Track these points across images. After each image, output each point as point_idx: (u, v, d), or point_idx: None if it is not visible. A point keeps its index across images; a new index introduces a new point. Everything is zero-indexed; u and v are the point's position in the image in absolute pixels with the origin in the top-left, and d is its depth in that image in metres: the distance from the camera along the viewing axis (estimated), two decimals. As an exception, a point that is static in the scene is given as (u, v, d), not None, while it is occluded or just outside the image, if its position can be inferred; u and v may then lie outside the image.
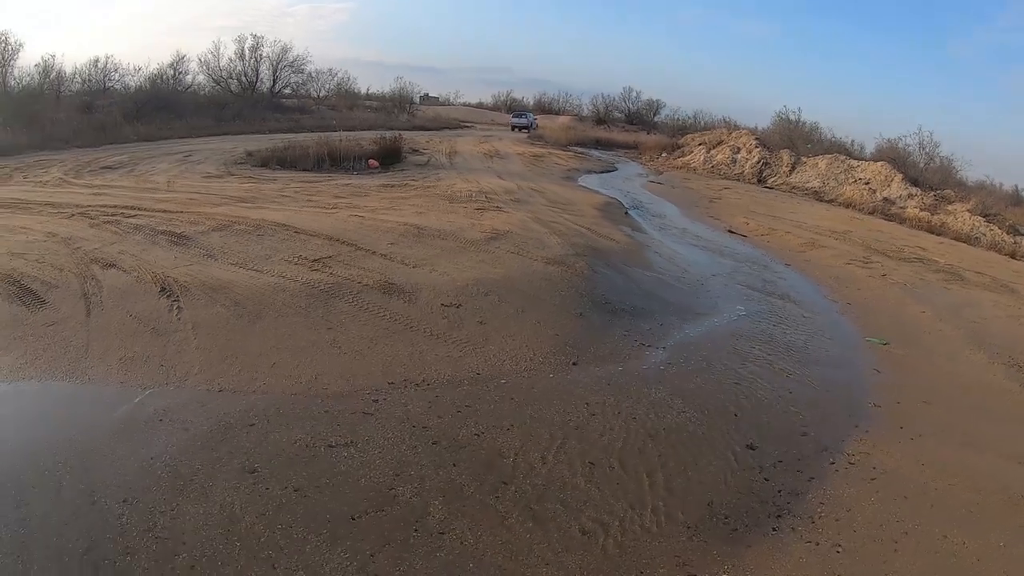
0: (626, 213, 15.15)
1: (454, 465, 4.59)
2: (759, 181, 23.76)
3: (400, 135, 21.55)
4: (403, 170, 18.25)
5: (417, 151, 22.16)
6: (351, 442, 4.76)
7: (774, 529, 4.30)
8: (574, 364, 6.52)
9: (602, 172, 24.31)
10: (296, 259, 8.66)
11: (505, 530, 4.01)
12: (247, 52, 33.22)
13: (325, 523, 3.93)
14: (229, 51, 35.64)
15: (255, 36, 35.15)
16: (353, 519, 3.97)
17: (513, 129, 38.27)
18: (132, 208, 11.55)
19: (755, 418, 5.84)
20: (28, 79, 25.30)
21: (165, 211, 11.34)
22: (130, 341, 6.35)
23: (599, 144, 33.91)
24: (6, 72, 24.82)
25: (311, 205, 12.39)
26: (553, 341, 6.92)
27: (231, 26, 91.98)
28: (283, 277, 7.95)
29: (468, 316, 7.28)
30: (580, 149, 30.77)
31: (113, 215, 10.93)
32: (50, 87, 25.85)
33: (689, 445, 5.22)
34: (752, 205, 18.86)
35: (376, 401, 5.42)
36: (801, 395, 6.40)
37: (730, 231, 14.77)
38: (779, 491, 4.74)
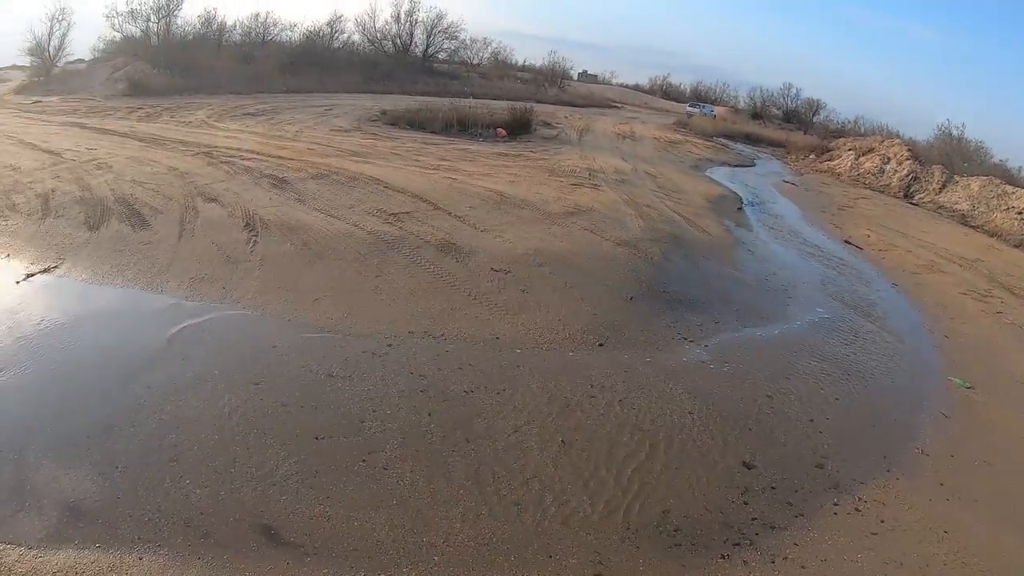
0: (739, 208, 16.63)
1: (429, 414, 5.74)
2: (905, 196, 26.41)
3: (531, 107, 24.13)
4: (528, 141, 20.83)
5: (549, 124, 24.84)
6: (349, 376, 6.18)
7: (722, 556, 4.65)
8: (600, 345, 7.45)
9: (737, 166, 26.64)
10: (375, 211, 10.70)
11: (444, 481, 4.99)
12: (402, 16, 40.32)
13: (293, 437, 5.28)
14: (385, 13, 43.63)
15: (411, 1, 40.94)
16: (317, 439, 5.29)
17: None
18: (252, 152, 14.94)
19: (769, 436, 6.20)
20: (191, 28, 33.41)
21: (279, 157, 14.49)
22: (205, 264, 8.66)
23: (748, 139, 37.73)
24: (170, 21, 32.96)
25: (414, 164, 14.71)
26: (588, 320, 7.93)
27: None
28: (355, 226, 9.92)
29: (512, 283, 8.59)
30: (724, 141, 33.96)
31: (231, 157, 14.27)
32: (212, 37, 33.39)
33: (678, 448, 5.78)
34: (884, 218, 19.94)
35: (390, 346, 6.85)
36: (837, 423, 6.70)
37: (846, 241, 15.96)
38: (753, 519, 5.06)
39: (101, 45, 33.25)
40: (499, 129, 21.25)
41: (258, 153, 14.76)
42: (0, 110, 25.17)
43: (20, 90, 30.46)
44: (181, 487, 4.77)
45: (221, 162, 13.64)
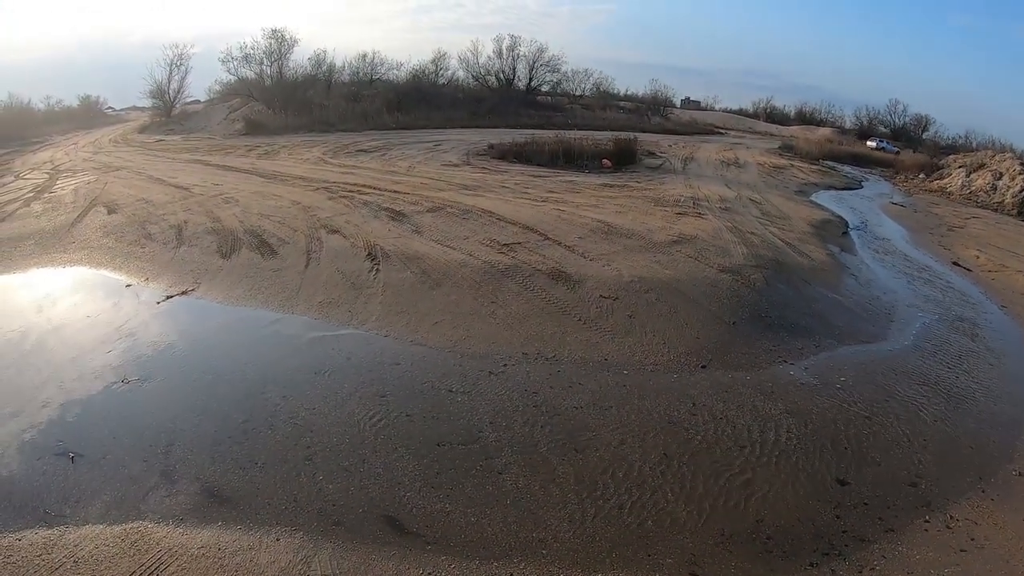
0: (844, 233, 17.38)
1: (541, 426, 6.59)
2: (1019, 213, 26.74)
3: (635, 137, 25.58)
4: (633, 171, 22.12)
5: (654, 154, 26.30)
6: (468, 391, 7.15)
7: (811, 564, 5.17)
8: (702, 367, 8.14)
9: (843, 189, 27.56)
10: (488, 241, 11.85)
11: (554, 485, 5.78)
12: (504, 51, 44.70)
13: (416, 442, 6.25)
14: (487, 50, 47.00)
15: (512, 36, 45.98)
16: (439, 445, 6.23)
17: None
18: (368, 187, 16.76)
19: (865, 455, 6.69)
20: (301, 69, 37.89)
21: (395, 192, 16.14)
22: (332, 290, 10.06)
23: (855, 159, 38.84)
24: (282, 63, 37.56)
25: (523, 197, 15.94)
26: (692, 343, 8.67)
27: (494, 24, 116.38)
28: (470, 255, 11.04)
29: (620, 309, 9.43)
30: (830, 163, 35.18)
31: (350, 191, 16.12)
32: (322, 77, 37.65)
33: (774, 464, 6.37)
34: (994, 238, 20.15)
35: (505, 366, 7.78)
36: (934, 445, 7.13)
37: (955, 263, 16.34)
38: (843, 531, 5.54)
39: (217, 87, 37.86)
40: (604, 160, 22.60)
41: (374, 188, 16.49)
42: (126, 147, 29.32)
43: (143, 129, 35.14)
44: (315, 481, 5.79)
45: (341, 196, 15.42)
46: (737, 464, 6.30)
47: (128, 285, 11.01)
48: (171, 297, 10.38)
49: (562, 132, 26.98)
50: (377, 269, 10.70)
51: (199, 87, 41.36)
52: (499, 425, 6.62)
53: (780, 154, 34.61)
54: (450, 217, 13.49)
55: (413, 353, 8.12)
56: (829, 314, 10.50)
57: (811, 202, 21.78)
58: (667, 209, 15.75)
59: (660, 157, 26.03)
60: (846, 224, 18.35)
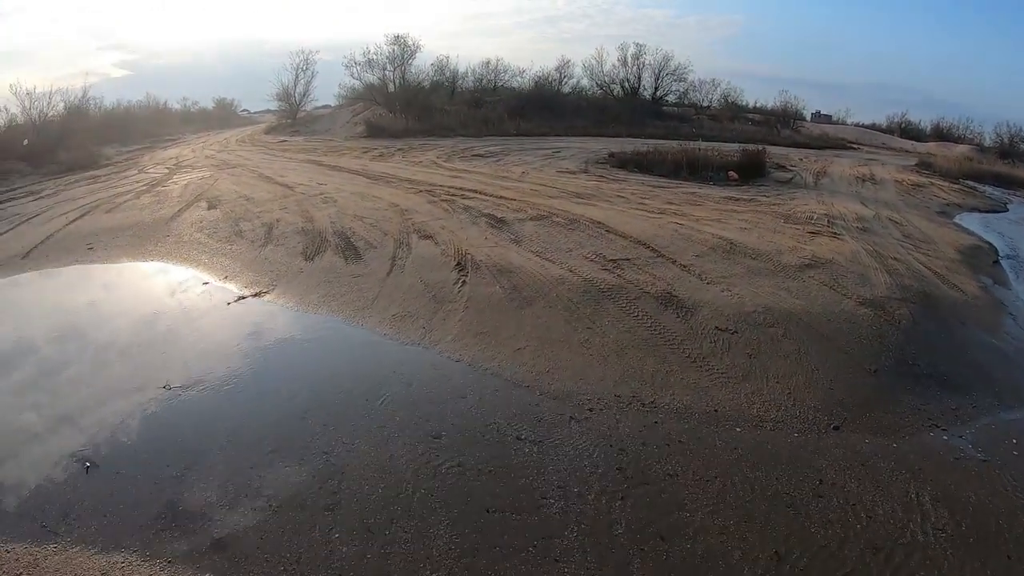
0: (995, 262, 15.25)
1: (622, 499, 5.22)
2: None
3: (764, 149, 24.37)
4: (761, 185, 20.40)
5: (784, 167, 24.45)
6: (540, 441, 5.91)
7: None
8: (835, 429, 6.56)
9: (987, 211, 24.54)
10: (593, 256, 10.63)
11: None
12: (629, 59, 44.34)
13: (462, 504, 5.10)
14: (612, 58, 46.71)
15: (637, 44, 44.95)
16: (488, 511, 5.04)
17: None
18: (474, 191, 15.99)
19: None
20: (423, 75, 38.78)
21: (501, 198, 15.25)
22: (410, 302, 9.21)
23: (997, 179, 35.25)
24: (405, 68, 38.50)
25: (639, 208, 14.54)
26: (823, 396, 7.07)
27: (620, 35, 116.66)
28: (570, 271, 9.88)
29: (739, 346, 7.95)
30: (971, 183, 31.91)
31: (453, 195, 15.40)
32: (445, 83, 38.36)
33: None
34: None
35: (591, 410, 6.50)
36: None
37: None
38: None
39: (342, 92, 39.38)
40: (731, 172, 21.59)
41: (480, 193, 15.70)
42: (250, 147, 30.43)
43: (269, 130, 36.70)
44: (329, 539, 4.81)
45: (442, 200, 14.72)
46: (874, 571, 4.76)
47: (205, 283, 10.78)
48: (243, 299, 9.98)
49: (688, 142, 25.98)
50: (464, 281, 9.76)
51: (327, 92, 43.09)
52: (569, 492, 5.33)
53: (918, 171, 32.31)
54: (555, 227, 12.39)
55: (485, 385, 7.04)
56: (988, 364, 8.73)
57: (955, 225, 19.60)
58: (798, 227, 13.99)
59: (790, 171, 24.34)
60: (996, 251, 16.13)
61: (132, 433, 6.37)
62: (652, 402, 6.76)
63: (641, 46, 44.53)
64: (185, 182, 20.15)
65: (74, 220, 15.92)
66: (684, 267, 10.36)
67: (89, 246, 13.38)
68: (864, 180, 25.48)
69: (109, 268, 12.15)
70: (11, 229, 15.70)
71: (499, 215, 13.23)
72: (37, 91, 31.52)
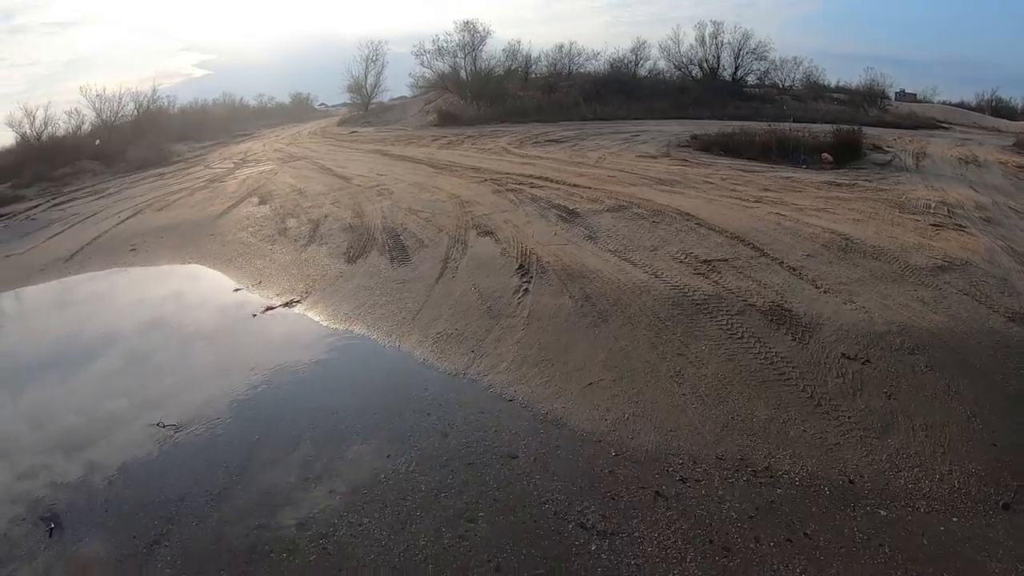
0: None
1: None
2: None
3: (859, 129, 22.54)
4: (859, 168, 18.27)
5: (880, 148, 22.20)
6: (612, 532, 4.18)
7: None
8: (1004, 507, 4.59)
9: None
10: (683, 256, 8.75)
11: None
12: (707, 39, 41.83)
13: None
14: (689, 38, 44.51)
15: (715, 23, 42.12)
16: None
17: None
18: (545, 179, 14.28)
19: None
20: (495, 61, 37.16)
21: (575, 185, 13.48)
22: (459, 316, 7.62)
23: None
24: (476, 54, 36.77)
25: (731, 196, 12.48)
26: (985, 456, 5.09)
27: (694, 16, 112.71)
28: (656, 276, 8.07)
29: (873, 381, 5.98)
30: None
31: (521, 184, 13.72)
32: (519, 69, 36.74)
33: None
34: None
35: (684, 480, 4.71)
36: None
37: None
38: None
39: (413, 82, 38.36)
40: (825, 154, 19.44)
41: (552, 180, 13.99)
42: (320, 139, 29.62)
43: (342, 123, 35.96)
44: None
45: (508, 190, 13.07)
46: None
47: (236, 289, 9.71)
48: (272, 309, 8.75)
49: (775, 123, 24.04)
50: (526, 289, 8.07)
51: (402, 83, 42.17)
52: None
53: (1018, 151, 29.10)
54: (636, 220, 10.52)
55: (542, 439, 5.31)
56: None
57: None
58: (917, 218, 11.63)
59: (887, 152, 21.78)
60: None
61: (111, 481, 5.22)
62: (766, 468, 4.92)
63: (719, 24, 41.99)
64: (244, 176, 19.32)
65: (126, 219, 15.29)
66: (794, 270, 8.36)
67: (132, 248, 12.60)
68: (967, 162, 22.74)
69: (146, 272, 11.31)
70: (65, 230, 15.24)
71: (571, 206, 11.46)
72: (107, 92, 31.91)
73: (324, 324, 8.05)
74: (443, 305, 8.00)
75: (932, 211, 12.42)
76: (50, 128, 29.86)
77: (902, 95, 61.28)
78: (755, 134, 20.69)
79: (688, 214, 10.63)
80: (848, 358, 6.36)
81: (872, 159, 20.67)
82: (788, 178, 15.37)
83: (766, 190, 13.37)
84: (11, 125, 29.28)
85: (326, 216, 12.51)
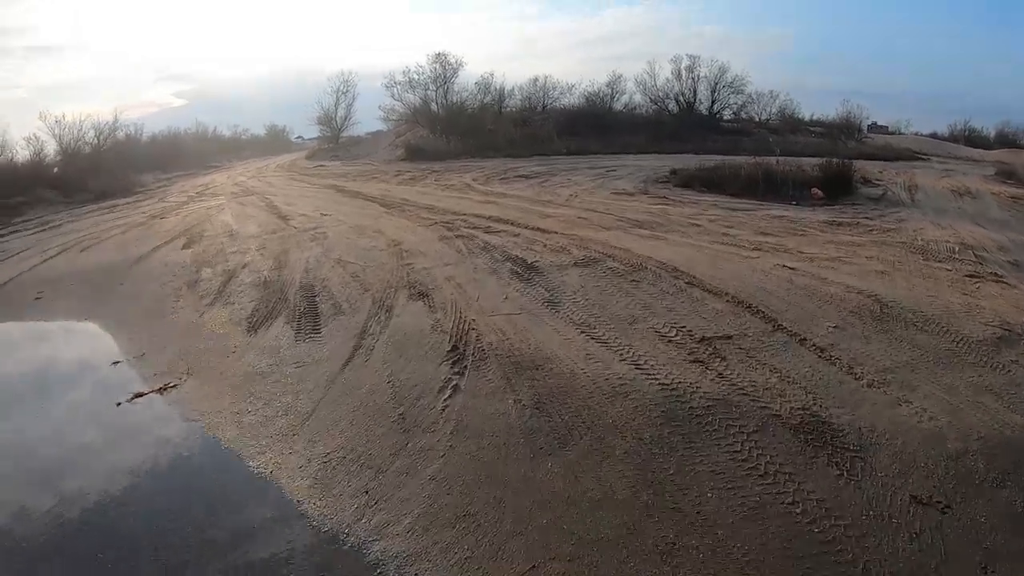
0: None
1: None
2: None
3: (850, 162, 20.80)
4: (853, 203, 16.25)
5: (869, 181, 20.48)
6: None
7: None
8: None
9: None
10: (672, 332, 6.24)
11: None
12: (683, 72, 40.38)
13: None
14: (665, 71, 42.43)
15: (691, 56, 40.89)
16: None
17: None
18: (505, 222, 11.82)
19: None
20: (467, 94, 35.03)
21: (539, 229, 11.02)
22: (361, 426, 5.09)
23: None
24: (448, 87, 34.67)
25: (724, 242, 10.03)
26: None
27: (670, 53, 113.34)
28: (637, 366, 5.53)
29: (961, 543, 3.66)
30: None
31: (475, 228, 11.22)
32: (492, 102, 34.62)
33: None
34: None
35: None
36: None
37: None
38: None
39: (383, 114, 36.17)
40: (815, 189, 17.52)
41: (513, 223, 11.54)
42: (284, 173, 27.19)
43: (311, 156, 33.56)
44: None
45: (458, 236, 10.57)
46: None
47: (116, 362, 7.24)
48: (140, 396, 6.27)
49: (758, 156, 22.36)
50: (456, 386, 5.49)
51: (375, 117, 39.94)
52: None
53: (1003, 181, 27.83)
54: (610, 277, 8.00)
55: None
56: None
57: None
58: (947, 267, 9.25)
59: (877, 185, 19.92)
60: None
61: None
62: None
63: (695, 58, 40.58)
64: (188, 212, 16.78)
65: (47, 259, 12.76)
66: (822, 351, 5.89)
67: (39, 295, 10.18)
68: (961, 194, 20.80)
69: (34, 329, 9.17)
70: None
71: (531, 258, 8.94)
72: (66, 119, 29.27)
73: (189, 426, 5.54)
74: (344, 406, 5.46)
75: (958, 257, 10.11)
76: (7, 154, 27.07)
77: (875, 127, 60.73)
78: (739, 168, 18.78)
79: (676, 269, 8.14)
80: (920, 502, 3.95)
81: (864, 193, 18.69)
82: (783, 217, 13.10)
83: (764, 233, 11.02)
84: None
85: (244, 266, 9.95)
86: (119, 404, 6.17)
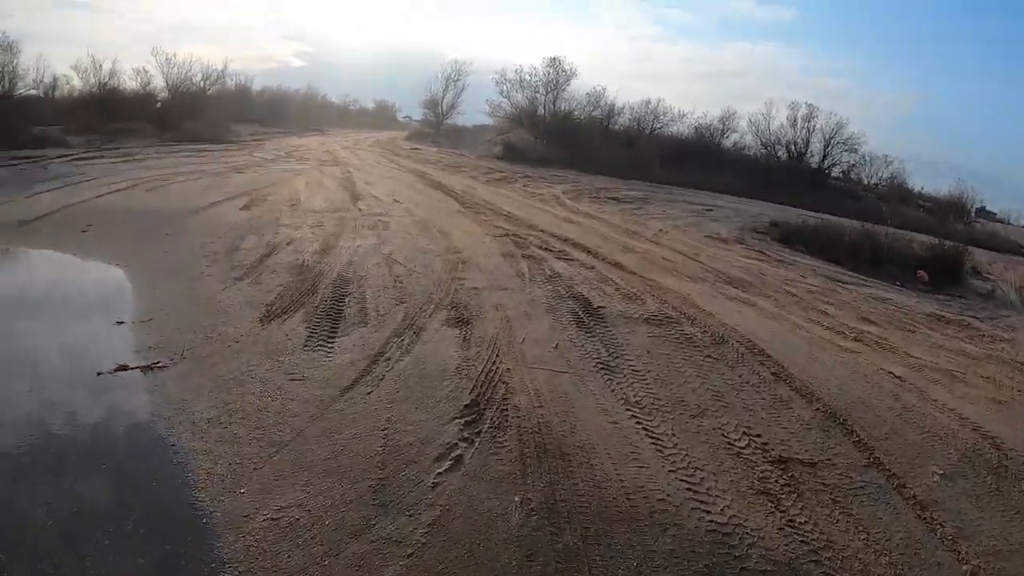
0: None
1: None
2: None
3: (964, 248, 18.42)
4: (960, 296, 14.20)
5: (978, 273, 18.11)
6: None
7: None
8: None
9: None
10: (745, 440, 4.87)
11: None
12: (799, 121, 38.24)
13: None
14: (781, 116, 40.36)
15: (809, 105, 38.60)
16: None
17: None
18: (582, 248, 10.56)
19: None
20: (576, 104, 34.00)
21: (616, 265, 9.75)
22: (333, 480, 3.94)
23: None
24: (558, 93, 33.77)
25: (821, 322, 8.52)
26: None
27: (786, 98, 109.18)
28: (689, 485, 4.18)
29: None
30: None
31: (548, 248, 10.02)
32: (600, 116, 33.50)
33: None
34: None
35: None
36: None
37: None
38: None
39: (488, 110, 35.63)
40: (921, 272, 15.85)
41: (590, 252, 10.33)
42: (379, 149, 26.86)
43: (411, 137, 33.25)
44: None
45: (525, 256, 9.44)
46: None
47: (120, 322, 6.52)
48: (124, 370, 5.48)
49: (868, 223, 20.54)
50: (458, 459, 4.30)
51: (480, 109, 39.54)
52: None
53: None
54: (683, 347, 6.62)
55: None
56: None
57: None
58: None
59: (986, 279, 17.74)
60: None
61: None
62: None
63: (813, 108, 38.19)
64: (265, 172, 16.47)
65: (113, 192, 12.58)
66: (923, 510, 4.32)
67: (88, 227, 9.87)
68: None
69: (65, 264, 8.70)
70: (56, 189, 12.66)
71: (598, 301, 7.69)
72: (177, 58, 29.87)
73: (151, 423, 4.65)
74: (321, 448, 4.38)
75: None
76: (115, 80, 27.75)
77: (983, 212, 56.41)
78: (844, 231, 17.24)
79: (763, 352, 6.71)
80: None
81: (972, 285, 16.57)
82: (887, 301, 11.41)
83: (866, 320, 9.41)
84: (76, 70, 27.25)
85: (290, 242, 9.17)
86: (99, 374, 5.39)
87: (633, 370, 5.85)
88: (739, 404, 5.51)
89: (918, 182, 51.68)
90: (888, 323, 9.46)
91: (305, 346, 5.96)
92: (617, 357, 6.07)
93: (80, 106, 25.00)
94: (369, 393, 5.13)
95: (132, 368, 5.56)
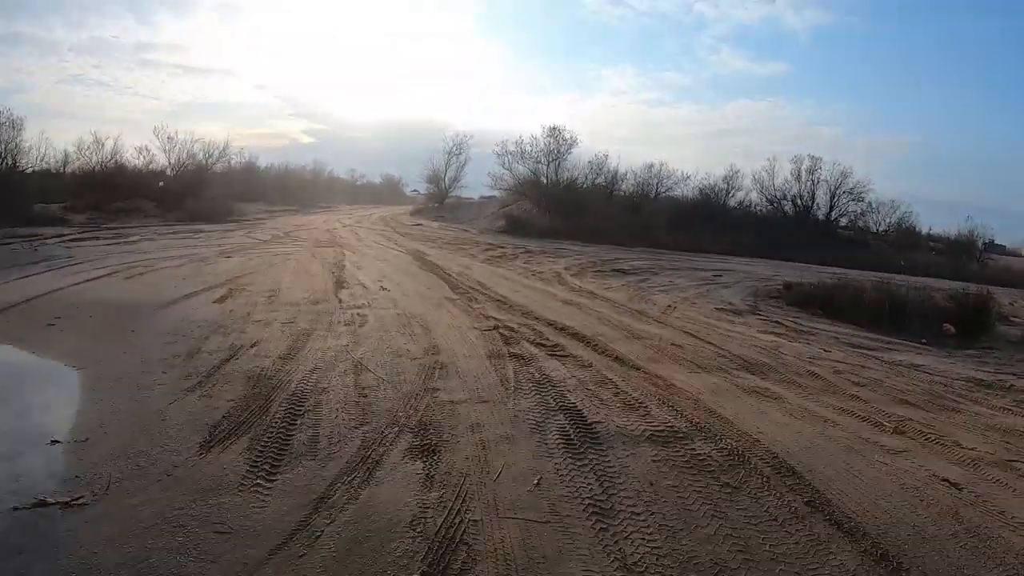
0: None
1: None
2: None
3: (988, 294, 17.73)
4: (991, 348, 13.19)
5: (1006, 318, 17.58)
6: None
7: None
8: None
9: None
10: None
11: None
12: (803, 173, 38.57)
13: None
14: (785, 170, 41.01)
15: (812, 157, 39.24)
16: None
17: None
18: (580, 338, 9.54)
19: None
20: (578, 172, 34.24)
21: (618, 359, 8.75)
22: None
23: None
24: (559, 163, 34.02)
25: (855, 411, 7.43)
26: None
27: (786, 153, 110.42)
28: None
29: None
30: None
31: (541, 344, 9.01)
32: (603, 183, 33.70)
33: None
34: None
35: None
36: None
37: None
38: None
39: (490, 182, 35.78)
40: (947, 325, 15.23)
41: (588, 343, 9.38)
42: (381, 225, 26.47)
43: (415, 212, 33.10)
44: None
45: (513, 355, 8.46)
46: None
47: (55, 441, 5.67)
48: (44, 506, 4.58)
49: (884, 276, 20.15)
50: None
51: (483, 182, 39.63)
52: None
53: None
54: (695, 474, 5.45)
55: None
56: None
57: None
58: None
59: (1012, 322, 17.12)
60: None
61: None
62: None
63: (817, 159, 38.95)
64: (254, 256, 15.93)
65: (90, 280, 12.14)
66: None
67: (55, 320, 9.26)
68: None
69: (22, 364, 7.89)
70: (39, 275, 12.35)
71: (593, 414, 6.61)
72: (178, 136, 30.19)
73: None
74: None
75: None
76: (116, 159, 28.04)
77: (991, 246, 56.11)
78: (861, 290, 16.72)
79: (792, 470, 5.54)
80: None
81: (1000, 332, 15.64)
82: (920, 368, 10.36)
83: (904, 402, 8.28)
84: (78, 147, 27.59)
85: (255, 344, 8.31)
86: (16, 509, 4.49)
87: (632, 513, 4.78)
88: (766, 555, 4.40)
89: (926, 222, 50.74)
90: (928, 402, 8.36)
91: (242, 484, 4.98)
92: (612, 496, 4.99)
93: (84, 184, 25.09)
94: (301, 556, 4.10)
95: (50, 504, 4.66)
